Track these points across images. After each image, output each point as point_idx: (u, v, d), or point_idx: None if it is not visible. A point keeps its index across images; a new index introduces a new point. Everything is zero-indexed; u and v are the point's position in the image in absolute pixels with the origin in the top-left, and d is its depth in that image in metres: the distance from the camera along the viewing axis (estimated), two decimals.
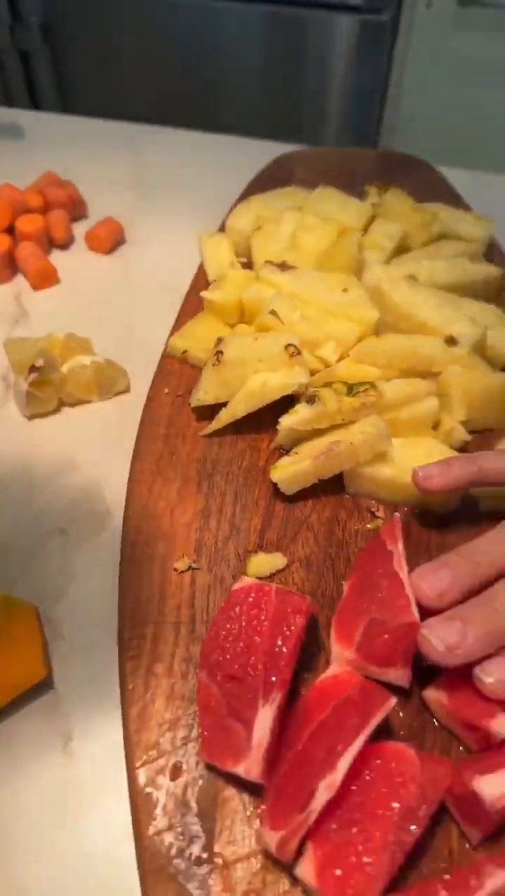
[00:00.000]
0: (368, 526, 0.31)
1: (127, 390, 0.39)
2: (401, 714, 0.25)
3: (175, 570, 0.29)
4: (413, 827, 0.21)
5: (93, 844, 0.24)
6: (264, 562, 0.29)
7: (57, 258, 0.48)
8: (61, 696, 0.27)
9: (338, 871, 0.20)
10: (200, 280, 0.43)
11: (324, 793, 0.21)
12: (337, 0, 1.13)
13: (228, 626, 0.25)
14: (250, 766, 0.22)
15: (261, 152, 0.55)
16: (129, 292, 0.45)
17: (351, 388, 0.32)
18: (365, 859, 0.20)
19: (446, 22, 1.24)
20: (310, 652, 0.26)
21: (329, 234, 0.41)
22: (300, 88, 1.23)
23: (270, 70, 1.22)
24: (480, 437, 0.34)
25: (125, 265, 0.48)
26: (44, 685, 0.27)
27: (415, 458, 0.31)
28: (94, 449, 0.36)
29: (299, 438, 0.32)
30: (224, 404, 0.34)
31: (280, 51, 1.19)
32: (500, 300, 0.40)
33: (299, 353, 0.32)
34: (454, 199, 0.49)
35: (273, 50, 1.19)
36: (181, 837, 0.22)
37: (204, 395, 0.34)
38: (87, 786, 0.25)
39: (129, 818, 0.23)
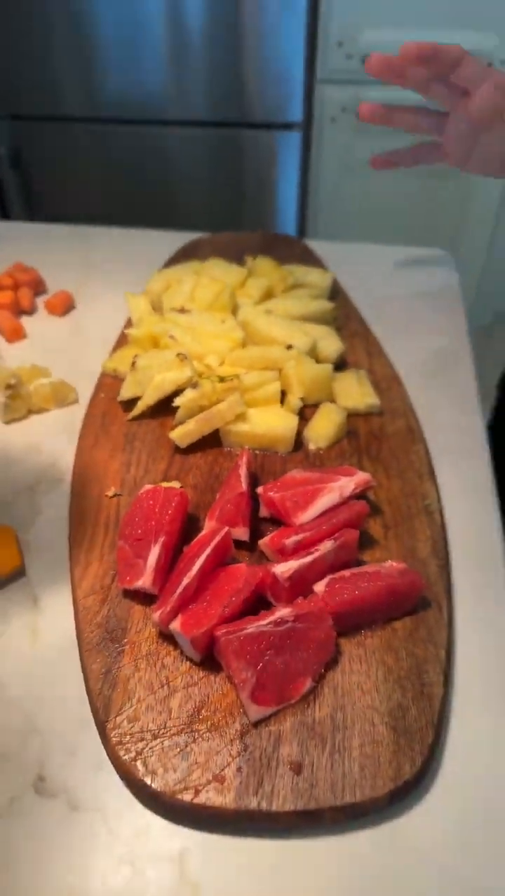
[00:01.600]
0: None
1: (76, 401, 0.55)
2: (246, 560, 0.40)
3: (106, 495, 0.44)
4: (234, 598, 0.35)
5: (49, 647, 0.37)
6: (166, 486, 0.44)
7: (25, 321, 0.65)
8: (31, 579, 0.41)
9: (191, 620, 0.34)
10: (128, 326, 0.60)
11: (185, 582, 0.35)
12: (266, 120, 1.39)
13: (135, 511, 0.40)
14: (146, 580, 0.37)
15: (181, 239, 0.74)
16: (78, 340, 0.62)
17: (222, 379, 0.48)
18: (207, 612, 0.34)
19: (348, 132, 1.51)
20: (195, 531, 0.41)
21: (215, 289, 0.58)
22: (236, 190, 1.48)
23: (211, 180, 1.48)
24: (312, 408, 0.51)
25: (76, 323, 0.65)
26: (19, 573, 0.41)
27: (266, 420, 0.47)
28: (53, 439, 0.51)
29: (190, 415, 0.48)
30: (140, 398, 0.50)
31: (219, 163, 1.45)
32: (336, 324, 0.58)
33: (187, 358, 0.49)
34: (311, 261, 0.68)
35: (213, 163, 1.45)
36: (107, 633, 0.36)
37: (126, 392, 0.50)
38: (47, 620, 0.39)
39: (73, 634, 0.37)
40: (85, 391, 0.55)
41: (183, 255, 0.69)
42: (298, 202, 1.54)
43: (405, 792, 0.31)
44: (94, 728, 0.33)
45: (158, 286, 0.61)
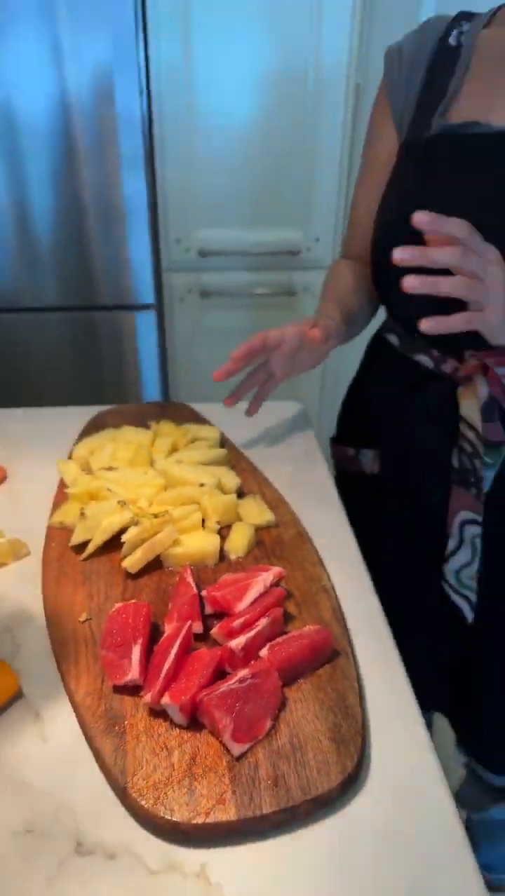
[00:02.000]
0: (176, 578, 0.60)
1: (28, 554, 0.65)
2: (203, 646, 0.52)
3: (80, 621, 0.55)
4: (205, 672, 0.47)
5: (53, 735, 0.46)
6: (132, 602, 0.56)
7: None
8: (28, 699, 0.50)
9: (176, 694, 0.45)
10: (61, 487, 0.73)
11: (166, 667, 0.47)
12: (126, 303, 1.64)
13: (112, 625, 0.51)
14: (133, 674, 0.48)
15: (87, 413, 0.89)
16: (16, 505, 0.73)
17: (155, 516, 0.62)
18: (187, 686, 0.46)
19: (196, 309, 1.81)
20: (160, 631, 0.53)
21: (132, 449, 0.74)
22: (97, 366, 1.69)
23: (78, 361, 1.67)
24: (226, 528, 0.66)
25: (11, 492, 0.76)
26: (17, 697, 0.50)
27: (195, 542, 0.61)
28: (18, 588, 0.61)
29: (135, 547, 0.61)
30: (90, 541, 0.62)
31: (82, 345, 1.65)
32: (230, 464, 0.76)
33: (126, 503, 0.63)
34: (200, 419, 0.86)
35: (77, 345, 1.65)
36: (109, 721, 0.46)
37: (77, 537, 0.62)
38: (52, 727, 0.48)
39: (77, 730, 0.47)
40: (33, 545, 0.66)
41: (94, 427, 0.85)
42: (159, 371, 1.78)
43: (350, 782, 0.44)
44: (111, 793, 0.43)
45: (84, 452, 0.75)
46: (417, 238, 0.55)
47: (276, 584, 0.57)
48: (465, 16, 0.74)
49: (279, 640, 0.51)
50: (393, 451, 0.82)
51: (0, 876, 0.39)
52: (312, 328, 0.71)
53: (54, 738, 0.47)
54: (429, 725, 0.84)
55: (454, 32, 0.74)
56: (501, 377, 0.68)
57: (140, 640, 0.50)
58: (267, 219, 1.70)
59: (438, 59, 0.73)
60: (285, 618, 0.55)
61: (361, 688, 0.50)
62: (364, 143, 0.84)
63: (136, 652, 0.49)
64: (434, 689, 0.86)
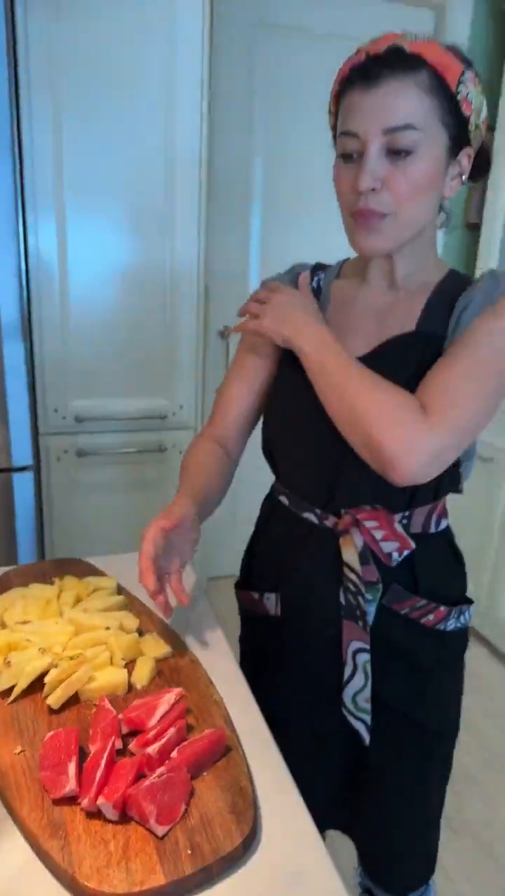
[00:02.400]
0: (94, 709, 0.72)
1: None
2: (123, 758, 0.65)
3: (15, 753, 0.65)
4: (130, 775, 0.60)
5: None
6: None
7: None
8: None
9: (109, 794, 0.58)
10: None
11: (98, 776, 0.59)
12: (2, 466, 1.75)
13: (47, 750, 0.63)
14: (72, 786, 0.59)
15: None
16: None
17: (71, 658, 0.75)
18: (117, 787, 0.59)
19: (71, 467, 1.96)
20: (85, 753, 0.65)
21: (41, 603, 0.86)
22: None
23: None
24: (131, 662, 0.80)
25: None
26: None
27: (106, 677, 0.75)
28: None
29: (56, 686, 0.73)
30: (15, 685, 0.73)
31: None
32: (128, 608, 0.91)
33: (45, 650, 0.75)
34: (96, 571, 1.01)
35: None
36: (52, 828, 0.57)
37: (3, 684, 0.73)
38: (4, 847, 0.57)
39: (27, 847, 0.57)
40: None
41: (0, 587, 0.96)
42: (35, 531, 1.88)
43: (249, 841, 0.58)
44: (64, 889, 0.53)
45: None
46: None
47: (177, 702, 0.71)
48: (320, 266, 0.96)
49: (185, 743, 0.65)
50: (291, 594, 0.92)
51: None
52: (167, 520, 0.78)
53: (6, 855, 0.56)
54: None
55: (315, 278, 0.94)
56: (370, 529, 0.82)
57: (73, 758, 0.62)
58: (136, 389, 1.95)
59: None
60: (187, 727, 0.69)
61: (249, 773, 0.65)
62: (240, 340, 1.00)
63: (72, 767, 0.61)
64: (333, 809, 0.95)
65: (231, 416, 0.97)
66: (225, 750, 0.67)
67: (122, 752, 0.66)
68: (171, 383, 1.97)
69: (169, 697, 0.71)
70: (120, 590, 0.97)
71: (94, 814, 0.58)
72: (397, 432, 0.73)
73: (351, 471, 0.82)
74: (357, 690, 0.86)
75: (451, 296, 0.82)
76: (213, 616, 0.94)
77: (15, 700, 0.73)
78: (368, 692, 0.86)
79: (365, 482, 0.81)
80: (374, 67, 0.73)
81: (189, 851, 0.55)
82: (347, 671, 0.86)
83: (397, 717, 0.89)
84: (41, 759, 0.62)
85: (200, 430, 1.01)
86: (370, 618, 0.85)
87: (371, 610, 0.85)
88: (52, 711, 0.72)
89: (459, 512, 1.14)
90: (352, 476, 0.83)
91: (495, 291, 0.78)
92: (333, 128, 0.82)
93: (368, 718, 0.87)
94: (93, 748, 0.65)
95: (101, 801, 0.58)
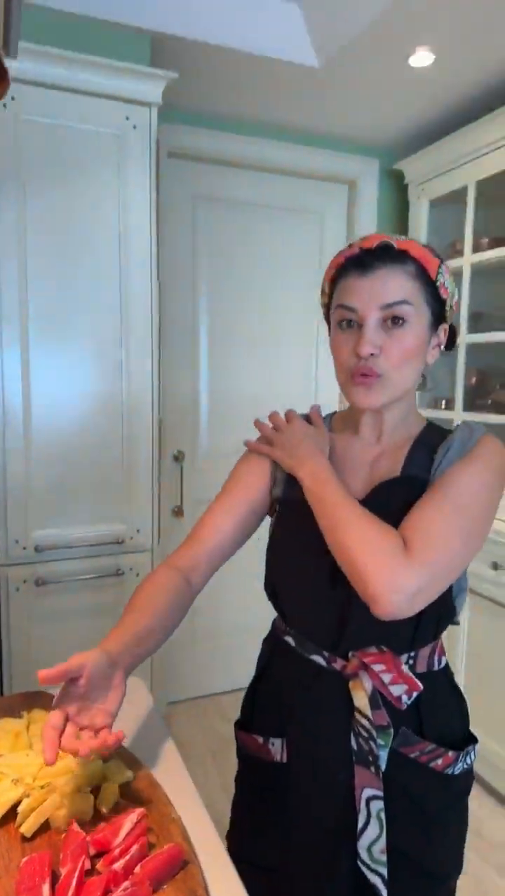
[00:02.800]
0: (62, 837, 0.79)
1: None
2: (84, 879, 0.72)
3: None
4: (99, 892, 0.68)
5: None
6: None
7: None
8: None
9: None
10: None
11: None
12: None
13: (24, 875, 0.70)
14: None
15: None
16: None
17: (42, 787, 0.83)
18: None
19: (31, 595, 2.03)
20: (57, 874, 0.72)
21: (11, 736, 0.94)
22: None
23: None
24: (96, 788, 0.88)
25: None
26: None
27: (74, 804, 0.83)
28: None
29: (28, 814, 0.80)
30: None
31: None
32: None
33: (18, 781, 0.83)
34: None
35: None
36: None
37: None
38: None
39: None
40: None
41: None
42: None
43: None
44: None
45: None
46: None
47: (139, 821, 0.80)
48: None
49: (147, 858, 0.74)
50: (298, 737, 0.93)
51: None
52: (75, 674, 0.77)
53: None
54: None
55: None
56: (379, 673, 0.84)
57: (47, 879, 0.69)
58: (94, 516, 2.08)
59: None
60: (148, 845, 0.78)
61: (205, 883, 0.74)
62: (230, 474, 1.02)
63: (46, 888, 0.68)
64: None
65: (206, 547, 0.97)
66: (183, 864, 0.75)
67: (90, 872, 0.74)
68: (128, 508, 2.11)
69: (132, 817, 0.79)
70: None
71: None
72: (380, 567, 0.77)
73: (358, 611, 0.83)
74: (372, 841, 0.84)
75: (430, 445, 0.92)
76: (170, 739, 1.03)
77: None
78: (382, 843, 0.84)
79: (372, 622, 0.80)
80: (367, 258, 0.86)
81: None
82: (361, 820, 0.85)
83: (410, 865, 0.88)
84: (17, 884, 0.70)
85: (166, 558, 1.00)
86: (382, 763, 0.85)
87: (383, 755, 0.85)
88: (24, 839, 0.79)
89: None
90: (359, 616, 0.84)
91: (469, 440, 0.88)
92: (325, 306, 0.97)
93: (385, 872, 0.85)
94: (63, 870, 0.72)
95: None
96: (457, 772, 0.91)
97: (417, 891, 0.91)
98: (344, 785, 0.87)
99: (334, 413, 1.08)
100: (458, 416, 2.54)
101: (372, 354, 0.86)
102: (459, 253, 2.53)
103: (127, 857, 0.73)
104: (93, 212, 1.97)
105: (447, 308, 0.92)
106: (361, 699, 0.86)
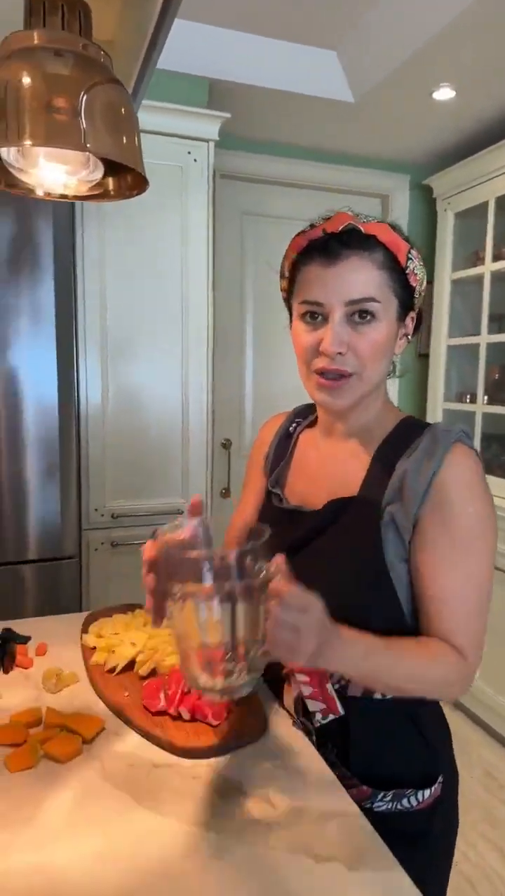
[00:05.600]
0: None
1: (78, 681, 1.18)
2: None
3: (125, 695, 1.09)
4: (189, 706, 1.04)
5: None
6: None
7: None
8: (108, 730, 1.03)
9: (183, 705, 1.02)
10: (84, 649, 1.27)
11: (176, 700, 1.04)
12: (50, 556, 2.20)
13: (147, 690, 1.07)
14: (162, 704, 1.04)
15: (70, 618, 1.45)
16: (61, 663, 1.26)
17: (151, 648, 1.21)
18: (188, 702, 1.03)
19: (107, 556, 2.41)
20: (168, 694, 1.09)
21: (122, 624, 1.32)
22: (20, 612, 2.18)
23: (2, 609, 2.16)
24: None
25: (51, 655, 1.28)
26: (101, 730, 1.02)
27: (172, 658, 1.20)
28: (78, 696, 1.14)
29: (144, 664, 1.18)
30: (116, 666, 1.18)
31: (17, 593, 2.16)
32: None
33: (134, 644, 1.21)
34: None
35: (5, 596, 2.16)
36: (153, 724, 1.01)
37: (109, 664, 1.18)
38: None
39: None
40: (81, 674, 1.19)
41: (90, 620, 1.41)
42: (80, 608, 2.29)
43: (259, 734, 1.01)
44: (163, 750, 0.97)
45: (95, 630, 1.32)
46: None
47: None
48: (301, 413, 1.05)
49: None
50: None
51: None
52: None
53: (130, 738, 1.00)
54: None
55: (293, 423, 1.03)
56: (301, 683, 0.88)
57: (161, 691, 1.06)
58: (158, 491, 2.46)
59: (280, 442, 1.04)
60: None
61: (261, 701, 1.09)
62: (246, 468, 1.15)
63: (162, 695, 1.05)
64: None
65: (240, 522, 1.15)
66: None
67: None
68: (185, 484, 2.49)
69: None
70: None
71: (176, 717, 1.02)
72: (454, 691, 0.82)
73: None
74: None
75: (396, 452, 0.85)
76: None
77: (118, 674, 1.18)
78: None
79: None
80: (332, 244, 0.80)
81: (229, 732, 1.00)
82: None
83: None
84: (143, 694, 1.07)
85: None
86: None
87: None
88: (141, 678, 1.16)
89: None
90: None
91: (433, 455, 0.79)
92: (285, 290, 0.94)
93: None
94: (169, 692, 1.09)
95: (181, 709, 1.02)
96: (380, 809, 0.84)
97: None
98: None
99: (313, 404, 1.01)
100: (480, 409, 2.84)
101: (340, 353, 0.81)
102: (482, 261, 2.83)
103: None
104: (159, 236, 2.35)
105: (416, 295, 0.87)
106: (288, 700, 0.95)
